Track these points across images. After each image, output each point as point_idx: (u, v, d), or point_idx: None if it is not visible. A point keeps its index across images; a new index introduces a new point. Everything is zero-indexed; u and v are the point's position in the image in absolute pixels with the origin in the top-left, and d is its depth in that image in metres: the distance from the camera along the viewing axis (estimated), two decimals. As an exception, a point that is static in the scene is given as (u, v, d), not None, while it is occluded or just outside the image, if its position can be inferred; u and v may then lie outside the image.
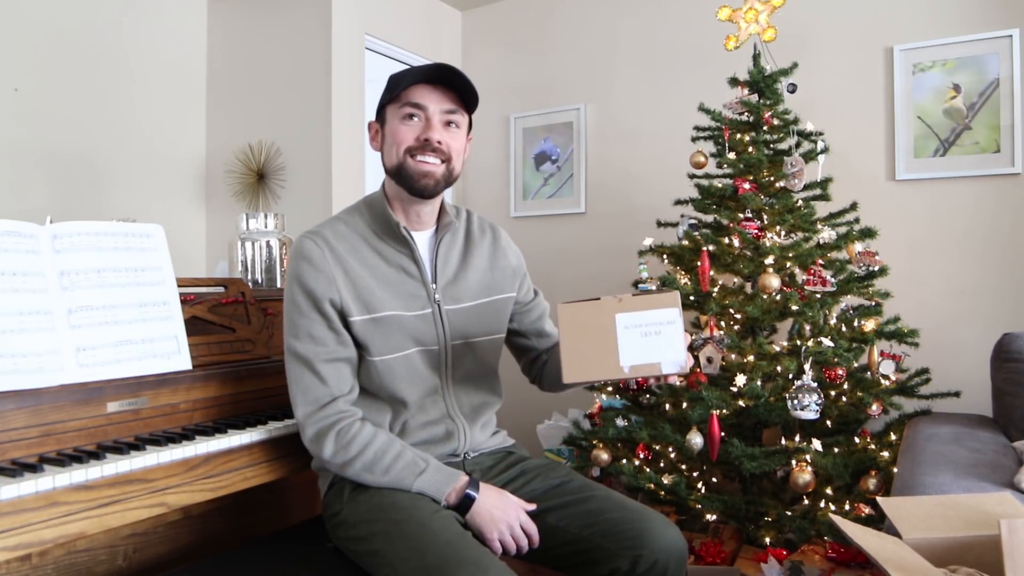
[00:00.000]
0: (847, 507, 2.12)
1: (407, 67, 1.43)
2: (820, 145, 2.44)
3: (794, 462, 2.11)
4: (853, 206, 2.46)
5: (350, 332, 1.33)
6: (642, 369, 1.17)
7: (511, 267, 1.53)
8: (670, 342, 1.16)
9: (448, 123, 1.37)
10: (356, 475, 1.29)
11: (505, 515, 1.28)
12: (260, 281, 2.10)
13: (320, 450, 1.29)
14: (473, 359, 1.44)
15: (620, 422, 2.43)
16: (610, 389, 2.58)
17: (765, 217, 2.39)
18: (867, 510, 2.06)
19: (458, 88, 1.36)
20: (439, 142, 1.34)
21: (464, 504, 1.27)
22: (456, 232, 1.47)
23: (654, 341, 1.17)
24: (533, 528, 1.30)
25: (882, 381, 2.22)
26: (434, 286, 1.39)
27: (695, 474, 2.40)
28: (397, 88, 1.34)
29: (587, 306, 1.22)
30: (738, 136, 2.48)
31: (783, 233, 2.38)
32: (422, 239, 1.42)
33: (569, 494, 1.36)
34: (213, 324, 1.60)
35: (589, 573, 1.30)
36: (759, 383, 2.16)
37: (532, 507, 1.32)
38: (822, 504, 2.17)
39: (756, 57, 2.53)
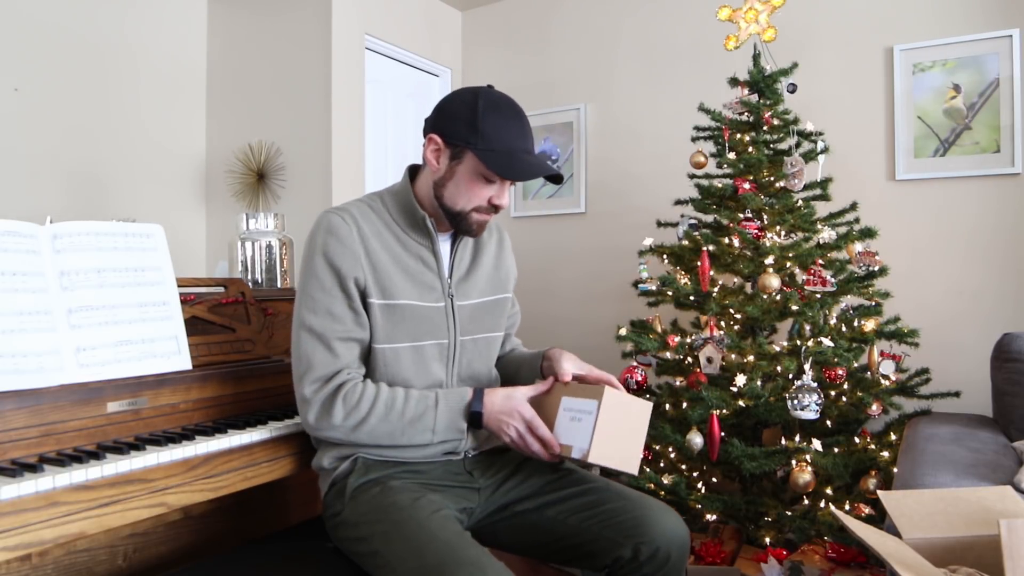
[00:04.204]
0: (847, 507, 2.12)
1: (500, 102, 1.33)
2: (820, 145, 2.44)
3: (794, 462, 2.11)
4: (853, 206, 2.46)
5: (367, 314, 1.33)
6: (564, 449, 1.29)
7: (511, 270, 1.56)
8: (584, 430, 1.26)
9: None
10: (372, 431, 1.28)
11: (511, 416, 1.30)
12: (260, 281, 2.10)
13: (330, 418, 1.27)
14: (477, 355, 1.45)
15: (620, 422, 2.42)
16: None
17: (765, 217, 2.39)
18: (867, 510, 2.06)
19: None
20: (504, 206, 1.37)
21: (475, 421, 1.32)
22: None
23: (576, 426, 1.28)
24: (545, 433, 1.30)
25: (882, 381, 2.22)
26: (449, 280, 1.41)
27: (695, 474, 2.40)
28: (502, 160, 1.29)
29: (552, 385, 1.38)
30: (738, 136, 2.48)
31: (783, 233, 2.38)
32: (443, 236, 1.44)
33: (568, 487, 1.37)
34: (213, 324, 1.60)
35: (592, 564, 1.31)
36: (759, 383, 2.16)
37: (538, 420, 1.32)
38: (822, 504, 2.17)
39: (756, 57, 2.53)
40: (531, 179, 1.34)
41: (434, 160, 1.36)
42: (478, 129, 1.29)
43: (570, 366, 1.39)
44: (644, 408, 1.33)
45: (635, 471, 1.31)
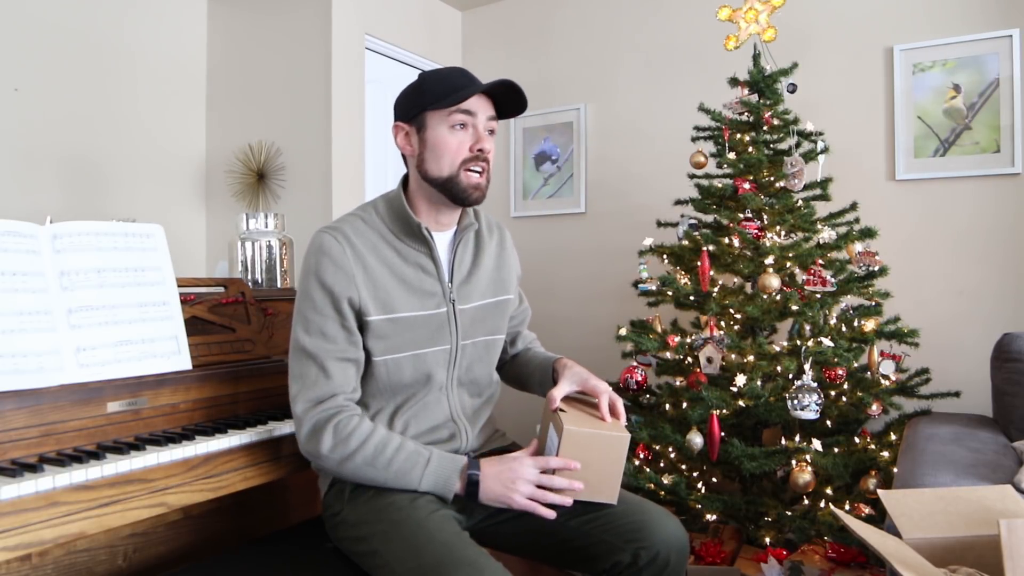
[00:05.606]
0: (847, 507, 2.12)
1: (439, 68, 1.40)
2: (820, 145, 2.43)
3: (794, 462, 2.11)
4: (853, 206, 2.46)
5: (365, 331, 1.32)
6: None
7: (514, 269, 1.55)
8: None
9: (490, 131, 1.36)
10: (355, 471, 1.26)
11: (514, 479, 1.24)
12: (260, 281, 2.10)
13: (318, 445, 1.26)
14: (477, 359, 1.45)
15: (620, 422, 2.42)
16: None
17: (765, 217, 2.39)
18: (867, 510, 2.06)
19: (510, 100, 1.36)
20: (488, 151, 1.34)
21: (471, 489, 1.25)
22: (470, 232, 1.47)
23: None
24: (557, 480, 1.26)
25: (882, 381, 2.22)
26: (450, 285, 1.40)
27: (695, 474, 2.40)
28: (451, 95, 1.30)
29: (548, 411, 1.37)
30: (738, 136, 2.48)
31: (783, 233, 2.38)
32: (442, 239, 1.42)
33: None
34: (213, 324, 1.60)
35: (591, 568, 1.31)
36: (759, 383, 2.15)
37: (535, 461, 1.27)
38: (822, 504, 2.17)
39: (756, 57, 2.53)
40: (481, 91, 1.32)
41: (407, 144, 1.38)
42: (425, 92, 1.33)
43: (565, 386, 1.37)
44: (618, 441, 1.27)
45: (613, 501, 1.30)
